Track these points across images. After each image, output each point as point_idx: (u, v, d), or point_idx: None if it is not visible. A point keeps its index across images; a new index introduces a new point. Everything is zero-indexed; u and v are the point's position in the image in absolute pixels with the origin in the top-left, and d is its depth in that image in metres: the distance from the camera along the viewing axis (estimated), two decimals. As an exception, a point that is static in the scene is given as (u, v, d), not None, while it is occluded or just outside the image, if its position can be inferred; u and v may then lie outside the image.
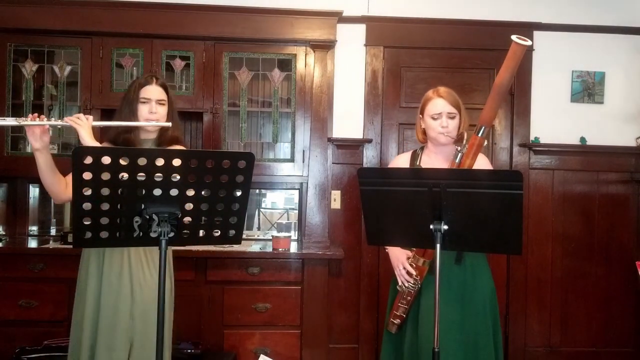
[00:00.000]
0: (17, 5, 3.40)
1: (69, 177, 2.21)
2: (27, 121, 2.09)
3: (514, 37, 1.98)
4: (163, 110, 2.29)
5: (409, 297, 2.29)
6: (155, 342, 2.09)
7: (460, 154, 2.20)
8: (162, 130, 2.30)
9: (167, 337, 2.25)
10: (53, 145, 3.55)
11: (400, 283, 2.30)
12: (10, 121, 2.14)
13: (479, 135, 2.14)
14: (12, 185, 3.71)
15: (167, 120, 2.28)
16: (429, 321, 2.11)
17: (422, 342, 2.23)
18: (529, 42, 1.97)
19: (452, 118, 2.33)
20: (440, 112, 2.32)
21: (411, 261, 2.28)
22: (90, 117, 2.17)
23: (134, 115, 2.25)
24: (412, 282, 2.26)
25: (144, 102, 2.26)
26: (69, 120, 2.14)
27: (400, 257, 2.31)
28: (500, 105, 2.11)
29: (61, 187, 2.21)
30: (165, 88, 2.32)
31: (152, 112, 2.25)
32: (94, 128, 2.17)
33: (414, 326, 2.30)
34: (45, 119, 2.12)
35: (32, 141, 2.12)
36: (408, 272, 2.27)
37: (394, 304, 2.34)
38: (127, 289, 2.15)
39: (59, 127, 2.27)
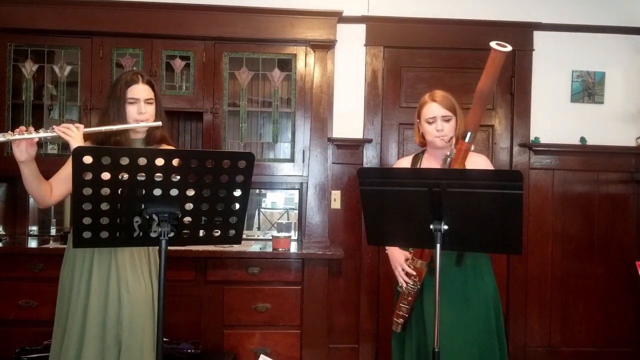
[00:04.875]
0: (17, 5, 3.39)
1: (53, 180, 2.19)
2: (14, 136, 1.99)
3: (492, 44, 1.95)
4: (152, 110, 2.22)
5: (409, 298, 2.31)
6: (141, 347, 2.10)
7: (449, 159, 2.23)
8: (151, 130, 2.23)
9: (150, 340, 2.18)
10: (53, 145, 3.56)
11: (400, 284, 2.32)
12: None
13: (466, 140, 2.14)
14: (12, 185, 3.72)
15: (156, 119, 2.23)
16: (432, 322, 2.13)
17: (430, 343, 2.23)
18: (508, 48, 1.93)
19: (447, 121, 2.34)
20: (434, 116, 2.35)
21: (409, 263, 2.29)
22: (81, 126, 2.10)
23: (121, 117, 2.17)
24: (412, 283, 2.28)
25: (131, 103, 2.18)
26: (58, 131, 2.06)
27: (398, 259, 2.33)
28: (484, 111, 2.09)
29: (47, 193, 2.15)
30: (151, 86, 2.25)
31: (141, 113, 2.18)
32: (85, 135, 2.10)
33: (419, 327, 2.32)
34: (34, 130, 2.03)
35: (17, 154, 2.03)
36: (407, 274, 2.29)
37: (397, 304, 2.36)
38: (115, 293, 2.11)
39: (49, 138, 2.14)
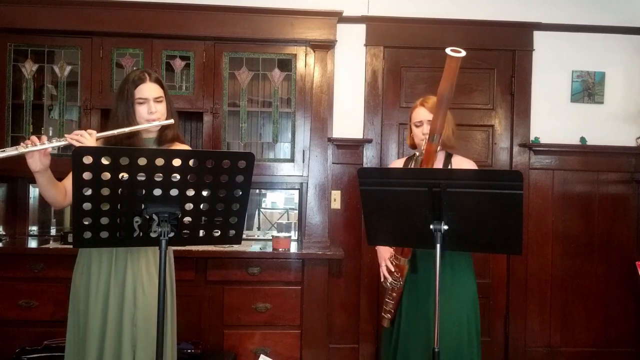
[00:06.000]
0: (17, 5, 3.39)
1: (66, 181, 2.16)
2: (27, 148, 1.95)
3: (447, 50, 2.00)
4: (162, 108, 2.18)
5: (394, 294, 2.40)
6: (154, 348, 2.10)
7: (420, 159, 2.30)
8: (163, 129, 2.20)
9: (170, 338, 2.20)
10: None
11: (382, 280, 2.43)
12: (10, 151, 1.95)
13: (433, 142, 2.18)
14: (12, 185, 3.72)
15: (167, 117, 2.19)
16: (406, 321, 2.33)
17: (401, 338, 2.36)
18: (462, 53, 1.98)
19: None
20: (421, 120, 2.45)
21: (392, 259, 2.38)
22: (94, 132, 2.04)
23: (131, 118, 2.13)
24: (394, 279, 2.37)
25: (141, 103, 2.14)
26: (70, 139, 2.00)
27: (383, 255, 2.44)
28: (445, 114, 2.13)
29: (61, 197, 2.13)
30: (160, 83, 2.21)
31: (151, 112, 2.14)
32: (98, 140, 2.06)
33: (398, 322, 2.42)
34: (46, 140, 1.98)
35: (31, 165, 1.99)
36: (389, 270, 2.39)
37: (384, 300, 2.46)
38: (131, 295, 2.10)
39: (61, 147, 2.12)
